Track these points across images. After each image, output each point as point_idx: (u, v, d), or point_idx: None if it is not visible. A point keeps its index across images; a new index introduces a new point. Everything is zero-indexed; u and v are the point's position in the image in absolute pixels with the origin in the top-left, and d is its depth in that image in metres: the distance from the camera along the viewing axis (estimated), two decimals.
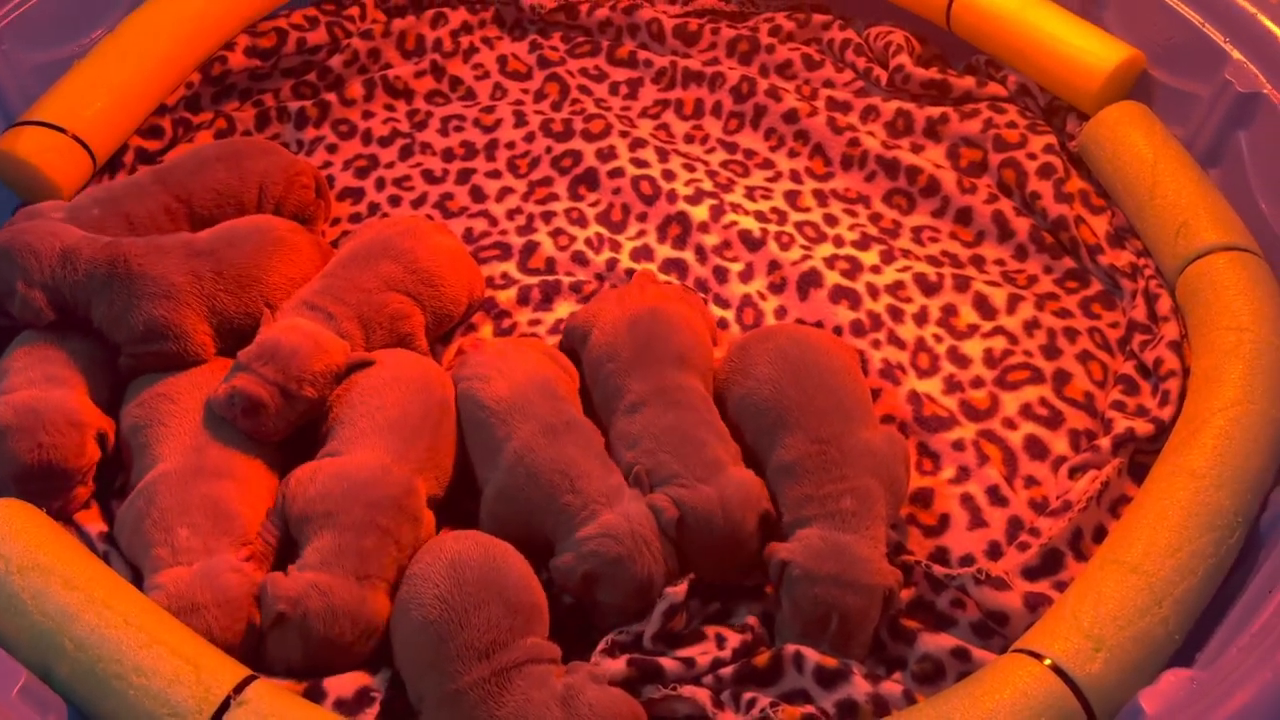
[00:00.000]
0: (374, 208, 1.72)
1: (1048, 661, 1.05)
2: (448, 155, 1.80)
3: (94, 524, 1.23)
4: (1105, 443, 1.33)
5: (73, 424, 1.22)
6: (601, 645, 1.13)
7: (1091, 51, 1.68)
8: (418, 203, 1.72)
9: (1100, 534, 1.28)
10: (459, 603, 1.06)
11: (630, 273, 1.60)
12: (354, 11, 1.94)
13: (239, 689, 0.99)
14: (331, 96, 1.85)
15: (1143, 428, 1.34)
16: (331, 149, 1.80)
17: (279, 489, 1.21)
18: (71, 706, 0.99)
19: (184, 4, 1.74)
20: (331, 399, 1.29)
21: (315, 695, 1.07)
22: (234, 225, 1.45)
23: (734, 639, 1.17)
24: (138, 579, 1.16)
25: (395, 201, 1.72)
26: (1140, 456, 1.36)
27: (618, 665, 1.11)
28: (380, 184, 1.75)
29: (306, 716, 0.99)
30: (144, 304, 1.31)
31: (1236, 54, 1.55)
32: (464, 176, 1.77)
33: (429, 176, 1.76)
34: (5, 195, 1.58)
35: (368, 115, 1.85)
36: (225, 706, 0.98)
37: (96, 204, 1.48)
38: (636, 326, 1.34)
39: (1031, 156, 1.69)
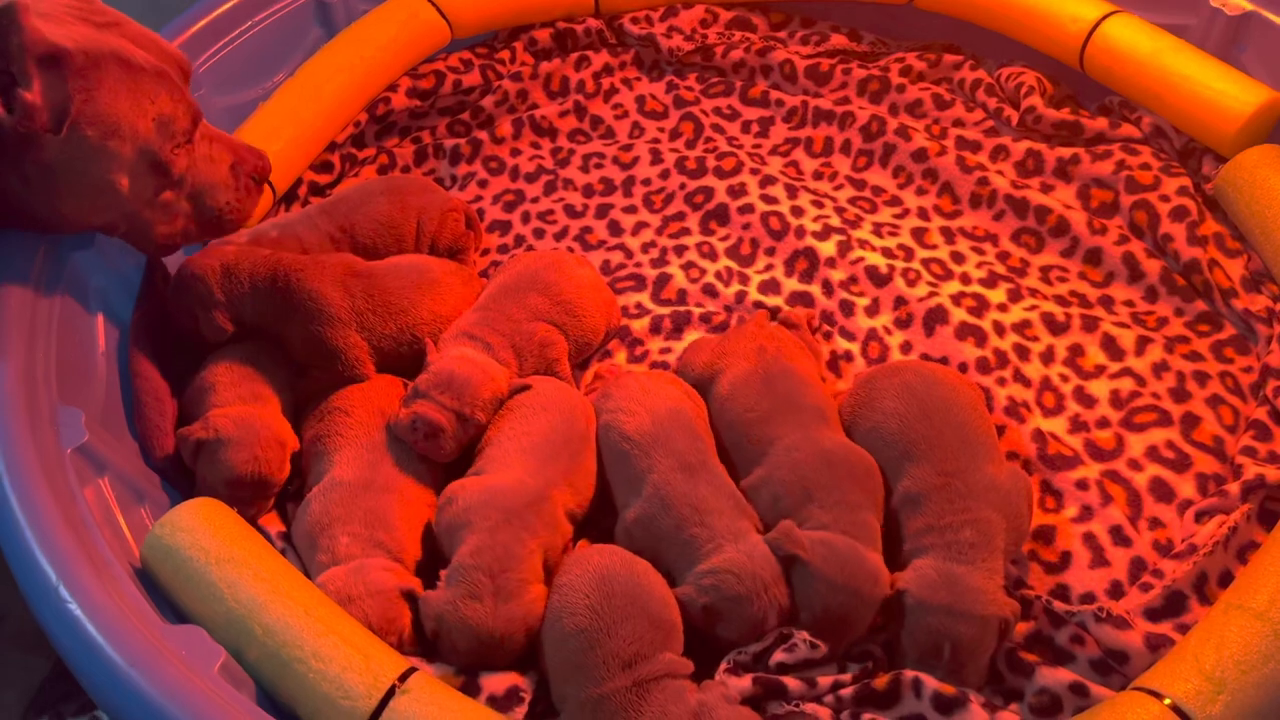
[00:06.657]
0: (520, 240, 1.84)
1: (1167, 701, 1.06)
2: (588, 191, 1.91)
3: (273, 525, 1.37)
4: (1234, 488, 1.33)
5: (279, 442, 1.36)
6: (725, 665, 1.19)
7: (1230, 94, 1.67)
8: (560, 235, 1.83)
9: (1226, 579, 1.28)
10: (607, 613, 1.14)
11: (759, 305, 1.67)
12: (505, 55, 2.08)
13: (403, 678, 1.09)
14: (483, 134, 1.98)
15: (1274, 474, 1.33)
16: (482, 184, 1.93)
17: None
18: (259, 685, 1.11)
19: (355, 50, 1.89)
20: None
21: (471, 690, 1.17)
22: (396, 260, 1.59)
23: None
24: (308, 575, 1.28)
25: (539, 234, 1.84)
26: (1271, 503, 1.35)
27: (744, 683, 1.17)
28: (526, 217, 1.87)
29: (461, 708, 1.09)
30: (304, 321, 1.44)
31: None
32: (602, 211, 1.87)
33: (570, 211, 1.87)
34: None
35: (515, 152, 1.98)
36: (391, 693, 1.08)
37: (275, 228, 1.65)
38: (772, 384, 1.39)
39: (1165, 199, 1.69)
